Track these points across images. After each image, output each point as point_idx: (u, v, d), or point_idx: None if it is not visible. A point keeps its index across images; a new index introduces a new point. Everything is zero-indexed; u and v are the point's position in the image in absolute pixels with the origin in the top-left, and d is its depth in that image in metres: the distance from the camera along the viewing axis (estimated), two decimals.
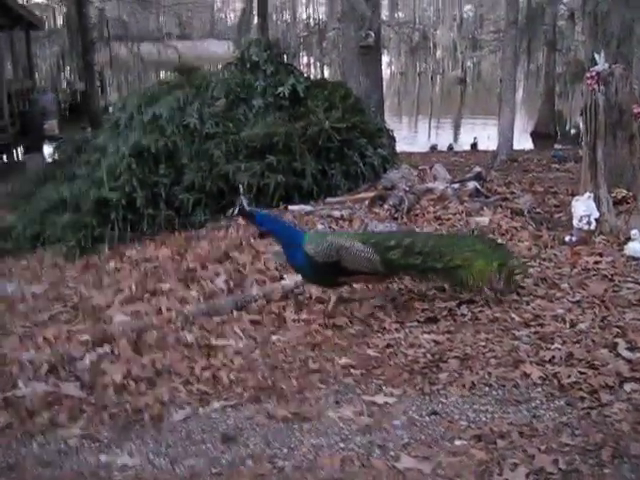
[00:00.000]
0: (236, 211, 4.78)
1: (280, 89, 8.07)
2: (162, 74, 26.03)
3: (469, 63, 37.36)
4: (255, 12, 18.30)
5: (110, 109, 20.80)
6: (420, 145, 18.61)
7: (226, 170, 7.09)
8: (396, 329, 4.22)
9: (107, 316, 4.66)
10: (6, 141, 18.03)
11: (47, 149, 16.99)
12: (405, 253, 4.54)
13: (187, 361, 3.86)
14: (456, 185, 7.36)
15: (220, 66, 10.61)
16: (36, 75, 23.10)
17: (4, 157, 17.84)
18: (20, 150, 19.25)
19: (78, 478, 2.94)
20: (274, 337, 4.14)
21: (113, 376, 3.73)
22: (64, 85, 27.68)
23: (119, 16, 28.66)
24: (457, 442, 3.02)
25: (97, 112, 19.46)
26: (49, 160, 11.64)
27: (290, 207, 6.83)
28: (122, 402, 3.51)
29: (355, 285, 4.84)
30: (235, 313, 4.52)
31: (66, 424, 3.38)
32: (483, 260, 4.58)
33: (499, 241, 5.45)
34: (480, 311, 4.42)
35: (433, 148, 17.89)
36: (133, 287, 5.14)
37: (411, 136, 21.35)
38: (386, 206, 6.67)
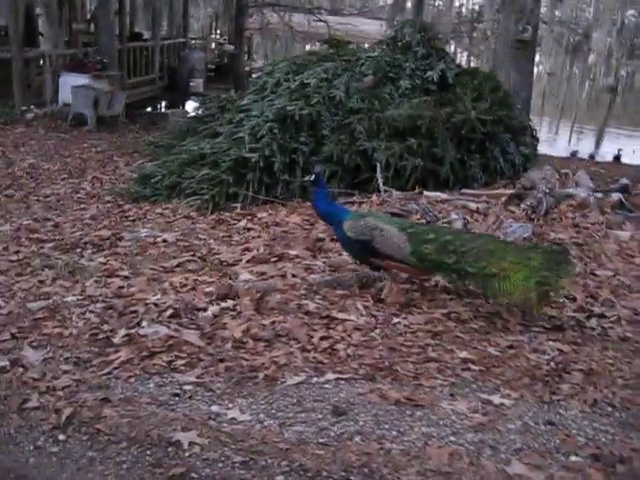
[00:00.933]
0: (312, 178, 4.77)
1: (429, 73, 7.94)
2: (310, 46, 26.25)
3: (623, 71, 35.64)
4: None
5: (254, 75, 21.25)
6: (559, 149, 17.92)
7: (366, 146, 7.06)
8: (520, 331, 4.06)
9: (233, 272, 4.74)
10: (153, 93, 18.77)
11: (191, 106, 17.54)
12: (439, 249, 4.31)
13: (306, 328, 3.85)
14: (599, 194, 7.03)
15: (369, 44, 10.57)
16: (188, 34, 23.82)
17: (149, 108, 18.56)
18: (165, 103, 20.00)
19: (189, 423, 2.99)
20: (395, 319, 4.07)
21: (233, 331, 3.78)
22: (213, 46, 28.35)
23: None
24: (572, 458, 2.86)
25: (242, 75, 19.89)
26: (191, 116, 12.00)
27: (425, 193, 6.72)
28: (238, 358, 3.54)
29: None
30: (359, 289, 4.49)
31: (183, 369, 3.45)
32: (524, 274, 4.16)
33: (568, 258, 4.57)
34: (610, 327, 4.19)
35: (573, 154, 17.17)
36: (261, 248, 5.20)
37: (551, 139, 20.64)
38: (523, 205, 6.44)
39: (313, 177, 4.74)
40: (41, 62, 15.18)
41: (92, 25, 17.65)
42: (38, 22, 19.67)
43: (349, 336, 3.81)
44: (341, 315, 4.05)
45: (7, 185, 8.05)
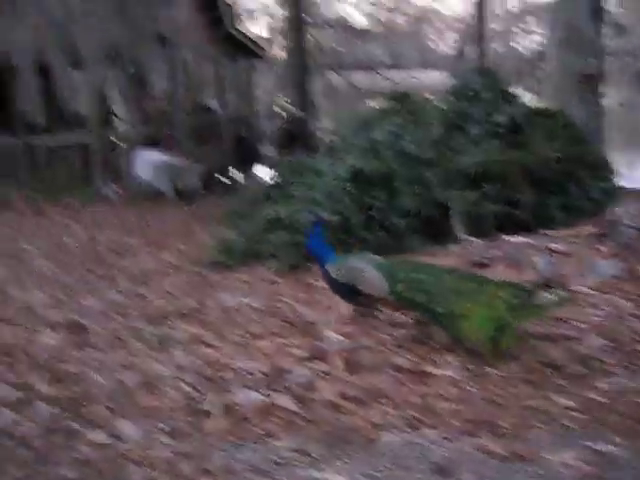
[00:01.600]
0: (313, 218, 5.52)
1: (498, 117, 7.89)
2: (375, 102, 26.54)
3: None
4: (470, 41, 18.24)
5: (322, 136, 21.55)
6: (638, 183, 17.43)
7: (441, 197, 7.03)
8: (623, 374, 3.89)
9: (319, 333, 4.73)
10: (227, 163, 19.25)
11: (263, 171, 17.88)
12: (410, 288, 4.46)
13: (399, 385, 3.80)
14: None
15: (433, 95, 10.62)
16: (255, 101, 24.44)
17: (223, 177, 19.01)
18: (238, 172, 20.45)
19: None
20: (489, 369, 3.98)
21: (325, 393, 3.76)
22: (280, 111, 28.99)
23: (334, 45, 29.67)
24: None
25: (311, 137, 20.19)
26: (266, 182, 12.22)
27: (505, 237, 6.60)
28: (333, 419, 3.51)
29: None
30: (449, 342, 4.40)
31: (279, 435, 3.43)
32: (487, 313, 4.13)
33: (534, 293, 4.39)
34: None
35: None
36: (344, 307, 5.18)
37: (629, 172, 20.08)
38: (609, 243, 6.25)
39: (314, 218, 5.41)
40: (117, 141, 15.83)
41: (164, 102, 18.34)
42: (111, 102, 20.56)
43: (444, 390, 3.73)
44: (433, 369, 3.98)
45: (91, 261, 8.30)
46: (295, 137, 21.97)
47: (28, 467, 3.29)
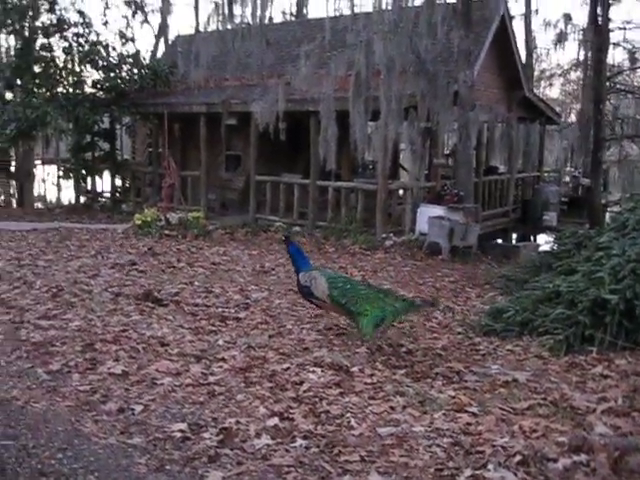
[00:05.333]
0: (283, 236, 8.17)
1: None
2: None
3: None
4: None
5: (611, 209, 20.47)
6: None
7: None
8: None
9: (587, 422, 4.42)
10: (505, 225, 19.00)
11: (543, 239, 17.38)
12: (339, 294, 6.52)
13: None
14: None
15: None
16: (543, 167, 23.90)
17: (501, 240, 18.76)
18: (517, 236, 20.09)
19: None
20: None
21: None
22: (567, 179, 28.06)
23: (635, 115, 28.18)
24: None
25: (598, 209, 19.27)
26: (544, 250, 11.84)
27: None
28: None
29: None
30: None
31: None
32: (377, 312, 6.31)
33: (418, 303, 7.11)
34: None
35: None
36: (619, 399, 4.80)
37: None
38: None
39: (284, 236, 8.04)
40: (401, 193, 16.33)
41: (450, 159, 18.65)
42: (400, 156, 21.33)
43: None
44: None
45: None
46: (581, 207, 21.12)
47: None
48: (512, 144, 19.15)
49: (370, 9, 16.74)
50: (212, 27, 17.86)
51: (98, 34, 21.19)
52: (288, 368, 5.57)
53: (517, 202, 20.15)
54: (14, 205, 25.99)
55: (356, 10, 16.83)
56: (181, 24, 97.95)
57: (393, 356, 6.23)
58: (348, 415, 4.59)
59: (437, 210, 14.12)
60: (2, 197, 29.59)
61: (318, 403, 4.81)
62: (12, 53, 26.48)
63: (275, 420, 4.41)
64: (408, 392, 5.10)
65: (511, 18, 19.16)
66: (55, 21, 20.41)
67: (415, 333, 7.20)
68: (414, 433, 4.30)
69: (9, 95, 21.90)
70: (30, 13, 20.10)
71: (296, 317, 7.56)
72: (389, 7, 15.43)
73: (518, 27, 29.47)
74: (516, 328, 7.03)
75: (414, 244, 14.00)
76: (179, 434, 4.13)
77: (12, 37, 24.28)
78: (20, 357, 5.61)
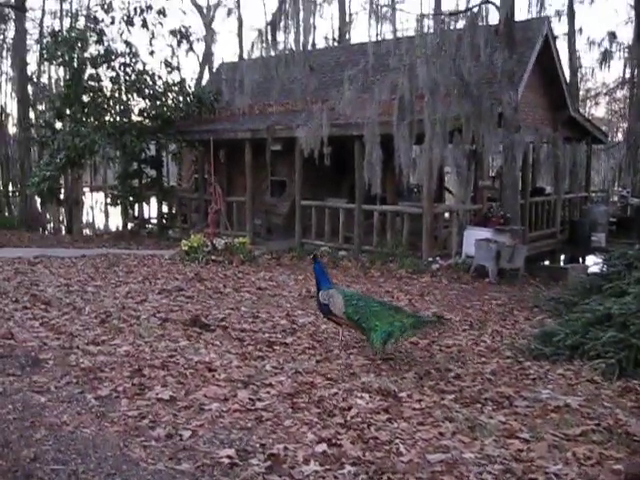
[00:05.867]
0: (312, 255, 8.23)
1: None
2: None
3: None
4: None
5: None
6: None
7: None
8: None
9: None
10: (553, 247, 18.74)
11: (592, 261, 17.07)
12: (353, 311, 6.95)
13: None
14: None
15: None
16: (590, 187, 23.56)
17: (548, 262, 18.49)
18: (564, 258, 19.78)
19: None
20: None
21: None
22: (615, 199, 27.63)
23: None
24: None
25: None
26: (593, 272, 11.63)
27: None
28: None
29: None
30: None
31: None
32: (385, 328, 6.65)
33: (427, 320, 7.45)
34: None
35: None
36: None
37: None
38: None
39: (313, 255, 8.15)
40: (447, 216, 16.24)
41: (496, 181, 18.50)
42: (445, 179, 21.24)
43: None
44: None
45: None
46: (630, 227, 20.74)
47: None
48: (558, 164, 18.90)
49: (412, 33, 16.81)
50: (256, 54, 18.01)
51: (144, 63, 21.67)
52: (336, 393, 5.54)
53: (564, 223, 19.87)
54: (63, 232, 26.54)
55: (398, 34, 16.86)
56: (225, 52, 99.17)
57: (441, 381, 6.15)
58: (397, 441, 4.53)
59: (484, 232, 14.00)
60: (52, 224, 30.26)
61: (366, 429, 4.76)
62: (62, 84, 27.23)
63: (323, 446, 4.37)
64: (457, 417, 5.03)
65: (554, 38, 19.01)
66: (103, 52, 20.89)
67: (463, 357, 7.10)
68: (464, 459, 4.23)
69: (59, 124, 22.46)
70: (79, 45, 20.60)
71: (343, 342, 7.52)
72: (431, 30, 15.47)
73: (562, 46, 29.36)
74: (566, 352, 6.90)
75: (461, 267, 13.89)
76: (227, 460, 4.12)
77: (62, 68, 25.00)
78: (70, 382, 5.67)
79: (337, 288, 7.64)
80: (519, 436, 4.65)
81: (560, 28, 32.83)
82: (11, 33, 33.85)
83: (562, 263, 19.27)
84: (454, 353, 7.28)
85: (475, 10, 15.04)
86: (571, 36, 30.18)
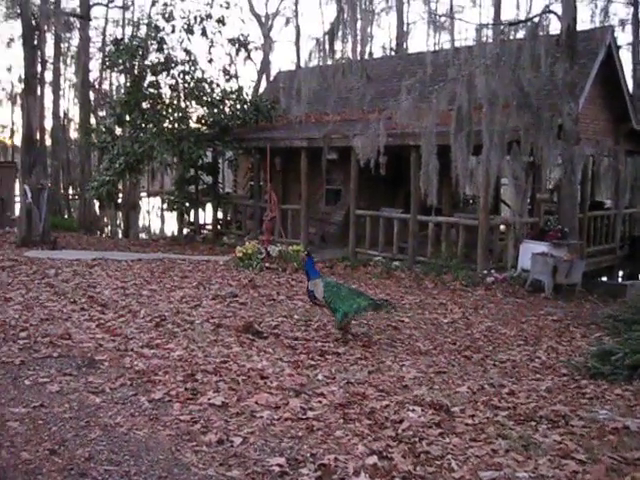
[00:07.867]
0: (306, 252, 9.92)
1: None
2: None
3: None
4: None
5: None
6: None
7: None
8: None
9: None
10: (611, 263, 18.33)
11: None
12: (328, 296, 8.24)
13: None
14: None
15: None
16: None
17: (606, 278, 18.08)
18: (624, 274, 19.32)
19: None
20: None
21: None
22: None
23: None
24: None
25: None
26: None
27: None
28: None
29: None
30: None
31: None
32: (345, 309, 8.11)
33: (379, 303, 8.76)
34: None
35: None
36: None
37: None
38: None
39: (305, 252, 9.91)
40: (503, 229, 16.02)
41: (554, 194, 18.17)
42: (501, 191, 20.97)
43: None
44: None
45: (466, 346, 8.40)
46: None
47: None
48: (619, 178, 18.51)
49: (471, 43, 16.67)
50: (313, 63, 18.11)
51: (203, 71, 21.98)
52: (387, 406, 5.49)
53: (624, 239, 19.41)
54: (120, 235, 27.03)
55: (457, 44, 16.76)
56: (283, 60, 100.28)
57: (495, 396, 6.04)
58: (448, 456, 4.46)
59: (540, 246, 13.77)
60: (109, 227, 30.87)
61: (418, 443, 4.70)
62: (122, 90, 27.79)
63: (374, 458, 4.33)
64: (511, 435, 4.93)
65: (618, 48, 18.61)
66: (163, 59, 21.26)
67: (517, 373, 6.98)
68: (517, 479, 4.14)
69: (119, 130, 22.92)
70: (140, 53, 21.00)
71: (394, 353, 7.47)
72: (490, 40, 15.32)
73: (625, 57, 28.69)
74: (625, 371, 6.71)
75: (516, 281, 13.69)
76: (277, 468, 4.11)
77: (123, 75, 25.51)
78: (124, 384, 5.74)
79: (322, 278, 8.84)
80: (575, 457, 4.52)
81: (624, 38, 32.19)
82: (75, 41, 34.77)
83: (621, 279, 18.82)
84: (508, 368, 7.16)
85: (536, 20, 14.86)
86: (635, 46, 29.48)
